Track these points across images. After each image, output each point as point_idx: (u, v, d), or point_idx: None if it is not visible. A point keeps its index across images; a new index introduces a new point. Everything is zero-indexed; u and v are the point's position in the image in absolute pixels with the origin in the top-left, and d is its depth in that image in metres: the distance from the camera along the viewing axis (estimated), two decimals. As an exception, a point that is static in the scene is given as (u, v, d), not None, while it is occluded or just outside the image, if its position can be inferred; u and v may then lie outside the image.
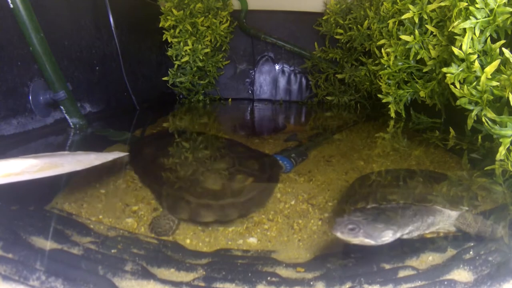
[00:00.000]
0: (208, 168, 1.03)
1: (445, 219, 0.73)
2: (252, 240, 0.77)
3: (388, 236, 0.63)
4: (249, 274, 0.61)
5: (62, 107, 1.43)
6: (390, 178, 0.96)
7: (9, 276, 0.52)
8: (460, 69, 1.14)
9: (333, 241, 0.76)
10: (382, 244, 0.62)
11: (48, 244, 0.65)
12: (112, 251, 0.66)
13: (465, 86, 1.11)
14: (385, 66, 1.68)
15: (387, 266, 0.63)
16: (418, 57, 1.54)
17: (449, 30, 1.20)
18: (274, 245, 0.75)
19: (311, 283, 0.58)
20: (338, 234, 0.62)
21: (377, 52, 1.82)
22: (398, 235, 0.64)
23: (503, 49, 1.00)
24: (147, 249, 0.69)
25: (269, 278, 0.60)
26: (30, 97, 1.33)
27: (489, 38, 1.07)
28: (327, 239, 0.78)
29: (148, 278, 0.57)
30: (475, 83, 1.09)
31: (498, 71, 1.03)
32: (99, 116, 1.71)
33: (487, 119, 1.02)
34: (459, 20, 1.10)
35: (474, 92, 1.08)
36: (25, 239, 0.65)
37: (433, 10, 1.44)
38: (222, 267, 0.64)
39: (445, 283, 0.54)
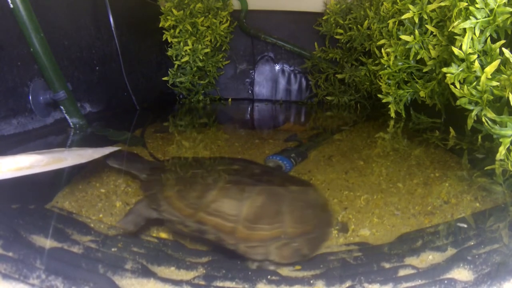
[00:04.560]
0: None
1: None
2: (252, 239, 0.77)
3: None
4: (249, 273, 0.61)
5: (62, 107, 1.43)
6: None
7: (9, 274, 0.52)
8: (460, 69, 1.14)
9: (333, 240, 0.76)
10: None
11: (48, 243, 0.65)
12: (112, 249, 0.66)
13: (465, 86, 1.11)
14: (385, 66, 1.68)
15: (387, 265, 0.63)
16: (418, 57, 1.54)
17: (449, 30, 1.20)
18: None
19: (311, 281, 0.58)
20: None
21: (377, 52, 1.83)
22: None
23: (503, 49, 1.00)
24: (147, 248, 0.69)
25: (269, 276, 0.60)
26: (30, 97, 1.33)
27: (489, 38, 1.07)
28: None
29: (148, 276, 0.57)
30: (475, 83, 1.09)
31: (498, 71, 1.03)
32: (99, 116, 1.71)
33: (487, 119, 1.02)
34: (459, 20, 1.10)
35: (474, 92, 1.09)
36: (25, 237, 0.65)
37: (433, 10, 1.44)
38: (222, 265, 0.64)
39: (445, 282, 0.54)
